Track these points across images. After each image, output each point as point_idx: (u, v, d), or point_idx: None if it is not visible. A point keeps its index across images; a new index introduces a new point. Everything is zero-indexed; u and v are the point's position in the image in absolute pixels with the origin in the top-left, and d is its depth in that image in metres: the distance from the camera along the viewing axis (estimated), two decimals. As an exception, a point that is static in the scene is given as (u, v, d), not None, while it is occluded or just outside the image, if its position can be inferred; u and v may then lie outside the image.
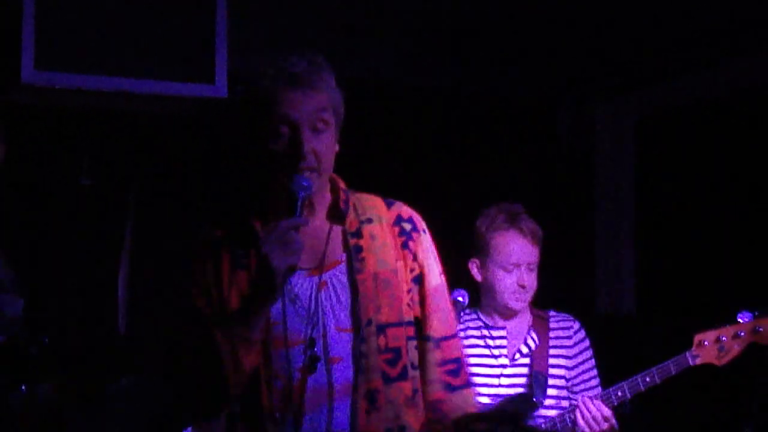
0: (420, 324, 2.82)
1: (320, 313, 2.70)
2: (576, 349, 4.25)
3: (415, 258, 2.82)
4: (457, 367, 2.86)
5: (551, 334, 4.24)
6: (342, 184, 2.85)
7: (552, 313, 4.32)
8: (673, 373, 4.14)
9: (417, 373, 2.79)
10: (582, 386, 4.22)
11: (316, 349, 2.67)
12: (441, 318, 2.85)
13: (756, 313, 4.15)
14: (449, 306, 2.91)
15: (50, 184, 5.24)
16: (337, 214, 2.80)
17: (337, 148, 2.78)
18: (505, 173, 6.08)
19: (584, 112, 6.25)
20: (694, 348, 4.13)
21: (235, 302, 2.68)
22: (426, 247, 2.86)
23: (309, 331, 2.67)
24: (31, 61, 4.39)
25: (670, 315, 4.33)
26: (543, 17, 5.35)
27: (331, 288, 2.74)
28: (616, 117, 6.26)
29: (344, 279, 2.75)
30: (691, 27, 5.31)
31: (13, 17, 4.41)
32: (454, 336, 2.88)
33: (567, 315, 4.34)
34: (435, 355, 2.83)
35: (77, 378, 4.86)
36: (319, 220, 2.80)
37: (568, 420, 4.11)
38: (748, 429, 4.18)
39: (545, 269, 6.05)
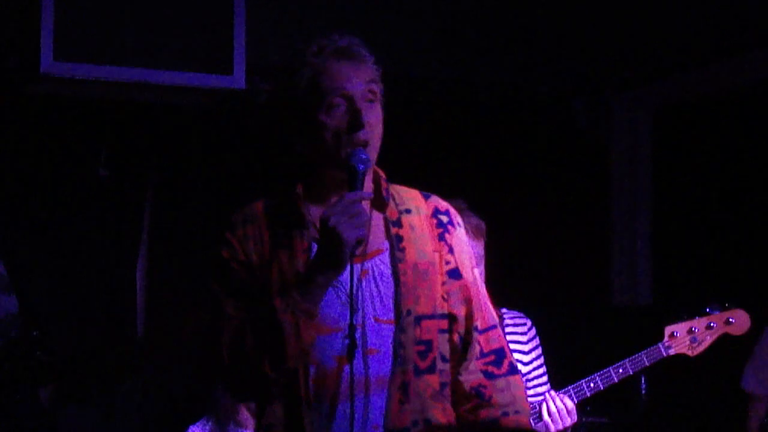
0: (454, 318, 2.77)
1: (360, 302, 2.67)
2: (530, 345, 4.28)
3: (451, 251, 2.79)
4: (499, 357, 2.81)
5: (507, 330, 4.26)
6: (382, 173, 2.81)
7: (504, 310, 4.33)
8: (647, 364, 4.18)
9: (447, 366, 2.75)
10: (535, 381, 4.25)
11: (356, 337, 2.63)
12: (480, 310, 2.81)
13: (726, 305, 4.22)
14: (487, 298, 2.88)
15: (68, 176, 5.25)
16: (379, 202, 2.76)
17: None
18: (522, 164, 6.08)
19: (601, 104, 6.25)
20: (666, 339, 4.19)
21: (277, 281, 2.64)
22: (461, 241, 2.83)
23: (347, 319, 2.61)
24: (51, 52, 4.41)
25: (687, 306, 4.34)
26: (561, 8, 5.35)
27: (371, 277, 2.70)
28: (633, 108, 6.25)
29: (385, 268, 2.71)
30: (710, 18, 5.30)
31: (32, 8, 4.42)
32: (494, 327, 2.84)
33: (519, 312, 4.36)
34: (476, 347, 2.79)
35: (84, 379, 4.86)
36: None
37: (533, 414, 4.14)
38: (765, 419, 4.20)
39: (562, 260, 6.08)
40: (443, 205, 2.85)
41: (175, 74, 4.61)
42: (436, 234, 2.78)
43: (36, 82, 4.57)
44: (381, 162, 2.79)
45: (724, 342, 4.31)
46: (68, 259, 5.23)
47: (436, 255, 2.76)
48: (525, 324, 4.30)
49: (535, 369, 4.28)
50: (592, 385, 4.17)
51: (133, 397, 5.28)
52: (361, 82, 2.66)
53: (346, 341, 2.61)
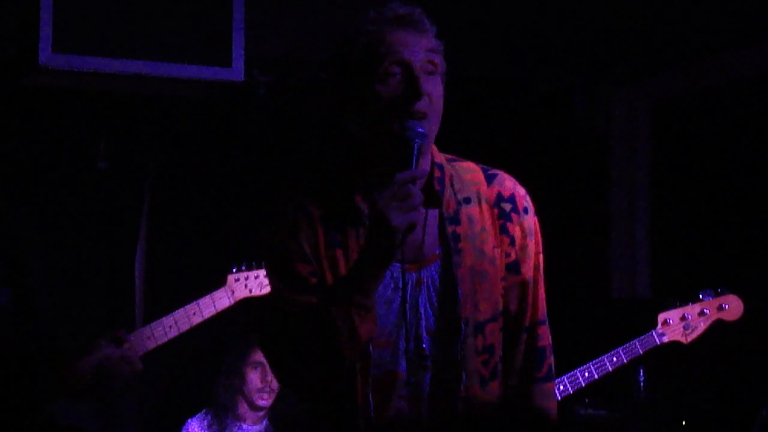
0: (508, 313, 2.60)
1: (415, 314, 2.48)
2: None
3: (512, 242, 2.58)
4: (540, 357, 2.64)
5: None
6: (437, 157, 2.59)
7: None
8: (640, 352, 4.18)
9: (501, 364, 2.59)
10: None
11: (424, 347, 2.47)
12: (532, 305, 2.64)
13: (719, 290, 4.22)
14: (542, 290, 2.69)
15: (67, 168, 5.25)
16: (431, 196, 2.52)
17: (444, 93, 2.57)
18: (521, 158, 6.07)
19: (600, 97, 6.24)
20: (659, 326, 4.20)
21: (331, 280, 2.46)
22: (526, 229, 2.61)
23: (402, 332, 2.45)
24: (49, 44, 4.40)
25: (686, 298, 4.34)
26: (559, 2, 5.33)
27: (425, 286, 2.51)
28: (632, 102, 6.24)
29: (440, 275, 2.51)
30: (709, 11, 5.29)
31: (30, 0, 4.42)
32: (542, 323, 2.68)
33: None
34: (521, 343, 2.62)
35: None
36: None
37: None
38: (765, 411, 4.19)
39: (561, 253, 6.07)
40: (508, 188, 2.64)
41: (173, 66, 4.60)
42: (497, 226, 2.57)
43: (34, 75, 4.56)
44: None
45: (722, 334, 4.31)
46: (66, 252, 5.22)
47: (497, 251, 2.56)
48: None
49: None
50: (586, 374, 4.17)
51: (131, 391, 5.27)
52: (421, 50, 2.50)
53: (402, 357, 2.46)
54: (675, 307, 4.23)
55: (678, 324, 4.19)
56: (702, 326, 4.21)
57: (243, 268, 4.09)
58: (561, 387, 4.17)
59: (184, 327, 3.83)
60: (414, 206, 2.34)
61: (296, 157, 5.38)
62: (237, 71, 4.70)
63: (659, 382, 4.81)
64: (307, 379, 2.50)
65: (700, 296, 4.24)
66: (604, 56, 6.01)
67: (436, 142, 2.60)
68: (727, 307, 4.21)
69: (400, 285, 2.47)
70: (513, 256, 2.59)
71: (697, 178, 5.92)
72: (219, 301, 3.93)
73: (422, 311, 2.49)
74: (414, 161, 2.40)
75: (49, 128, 5.16)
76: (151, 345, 3.76)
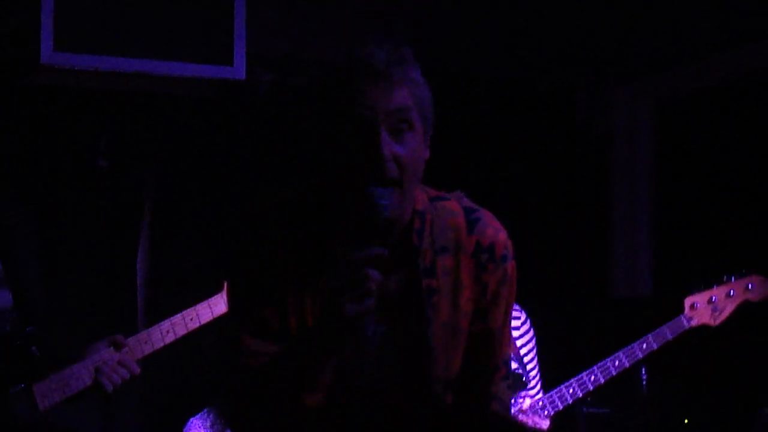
0: (468, 357, 2.44)
1: (379, 368, 2.34)
2: (524, 339, 4.27)
3: (484, 292, 2.43)
4: (492, 401, 2.48)
5: None
6: (419, 203, 2.40)
7: None
8: (669, 337, 4.17)
9: None
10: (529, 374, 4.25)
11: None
12: (494, 353, 2.47)
13: (743, 271, 4.22)
14: (507, 339, 2.51)
15: (67, 167, 5.24)
16: (409, 249, 2.37)
17: (426, 155, 2.39)
18: (523, 157, 6.07)
19: (602, 96, 6.23)
20: (687, 311, 4.19)
21: (294, 325, 2.31)
22: (500, 277, 2.45)
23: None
24: (50, 43, 4.40)
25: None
26: (561, 1, 5.34)
27: (393, 343, 2.36)
28: (634, 100, 6.23)
29: (411, 330, 2.36)
30: (711, 9, 5.29)
31: (32, -1, 4.42)
32: (500, 369, 2.51)
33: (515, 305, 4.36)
34: (475, 387, 2.47)
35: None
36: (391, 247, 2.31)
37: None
38: (766, 409, 4.19)
39: (562, 253, 6.06)
40: (488, 236, 2.45)
41: (175, 65, 4.60)
42: (473, 277, 2.42)
43: (36, 73, 4.56)
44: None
45: (722, 332, 4.30)
46: (67, 252, 5.21)
47: (470, 303, 2.41)
48: (519, 318, 4.29)
49: (529, 362, 4.27)
50: (617, 363, 4.16)
51: (132, 392, 5.27)
52: (389, 108, 2.27)
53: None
54: (700, 290, 4.23)
55: (706, 307, 4.20)
56: (730, 307, 4.22)
57: None
58: (592, 377, 4.17)
59: (181, 332, 3.84)
60: (370, 293, 2.17)
61: (295, 161, 5.37)
62: (238, 70, 4.69)
63: (662, 380, 4.80)
64: (265, 425, 2.35)
65: (725, 278, 4.24)
66: (605, 55, 6.01)
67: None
68: (752, 287, 4.23)
69: (369, 335, 2.27)
70: (483, 304, 2.43)
71: (699, 177, 5.91)
72: (216, 306, 3.93)
73: (389, 364, 2.35)
74: (375, 235, 2.22)
75: (50, 127, 5.15)
76: (148, 350, 3.77)
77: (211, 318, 3.88)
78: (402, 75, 2.30)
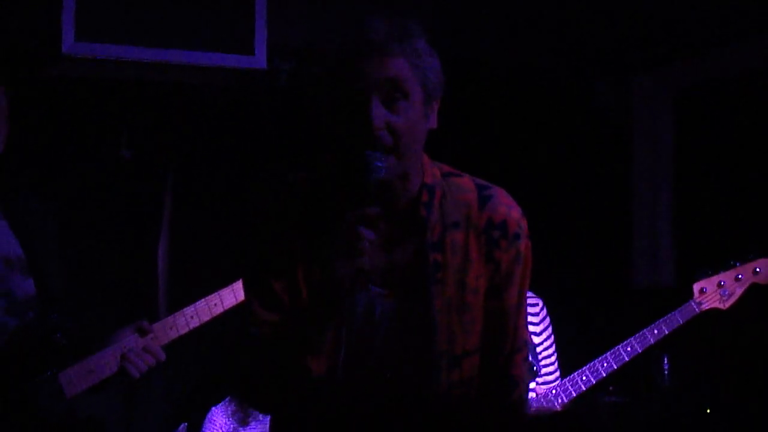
0: (486, 338, 2.44)
1: (384, 345, 2.36)
2: (541, 326, 4.28)
3: (497, 269, 2.41)
4: (513, 384, 2.49)
5: None
6: (428, 177, 2.43)
7: None
8: (681, 322, 4.20)
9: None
10: (545, 361, 4.25)
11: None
12: (513, 333, 2.46)
13: (750, 256, 4.25)
14: (523, 320, 2.50)
15: (90, 157, 5.26)
16: (416, 221, 2.39)
17: (431, 125, 2.41)
18: (543, 146, 6.06)
19: (623, 85, 6.22)
20: (696, 296, 4.22)
21: (306, 296, 2.36)
22: (514, 255, 2.44)
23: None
24: (72, 33, 4.41)
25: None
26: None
27: (397, 317, 2.37)
28: (654, 89, 6.22)
29: (416, 304, 2.36)
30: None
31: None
32: (520, 351, 2.50)
33: (530, 293, 4.36)
34: (494, 370, 2.47)
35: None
36: (399, 219, 2.37)
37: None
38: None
39: (584, 242, 6.06)
40: (500, 213, 2.44)
41: (196, 54, 4.60)
42: (483, 254, 2.41)
43: (57, 63, 4.57)
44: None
45: (742, 324, 4.31)
46: (89, 242, 5.24)
47: (481, 280, 2.41)
48: (537, 304, 4.30)
49: (545, 349, 4.27)
50: (629, 349, 4.18)
51: (156, 380, 5.29)
52: (382, 78, 2.32)
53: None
54: (708, 276, 4.27)
55: (715, 291, 4.24)
56: (739, 291, 4.26)
57: None
58: (605, 363, 4.19)
59: (205, 317, 3.85)
60: (362, 251, 2.21)
61: (313, 149, 5.38)
62: (259, 59, 4.70)
63: (683, 370, 4.81)
64: (273, 395, 2.41)
65: (732, 262, 4.28)
66: (625, 45, 5.99)
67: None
68: (760, 270, 4.27)
69: (376, 312, 2.33)
70: (496, 280, 2.42)
71: (720, 167, 5.90)
72: (240, 291, 3.93)
73: (393, 343, 2.36)
74: (368, 197, 2.26)
75: (72, 117, 5.17)
76: (173, 335, 3.78)
77: (235, 303, 3.89)
78: (398, 46, 2.35)
